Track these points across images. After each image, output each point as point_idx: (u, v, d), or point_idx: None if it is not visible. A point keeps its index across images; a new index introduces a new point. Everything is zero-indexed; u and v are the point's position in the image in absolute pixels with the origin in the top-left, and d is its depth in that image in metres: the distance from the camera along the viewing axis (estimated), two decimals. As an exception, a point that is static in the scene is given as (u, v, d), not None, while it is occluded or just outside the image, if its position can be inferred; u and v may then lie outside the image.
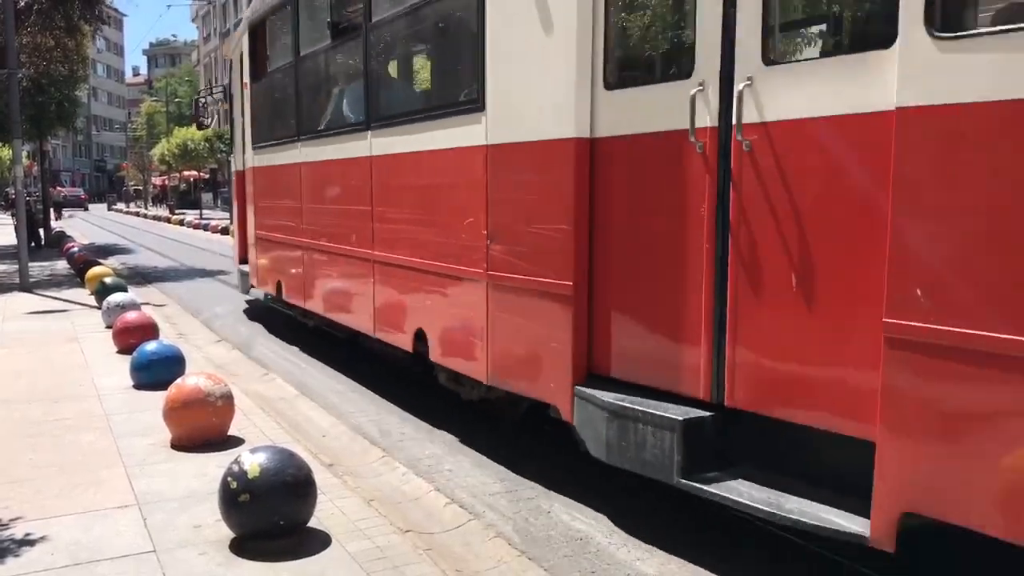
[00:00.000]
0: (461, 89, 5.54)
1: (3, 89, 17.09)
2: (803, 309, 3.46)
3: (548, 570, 3.81)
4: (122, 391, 6.80)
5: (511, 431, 5.84)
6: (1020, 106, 2.71)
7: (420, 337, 5.94)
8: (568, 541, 4.10)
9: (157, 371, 6.79)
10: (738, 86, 3.62)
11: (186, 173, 54.01)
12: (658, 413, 3.87)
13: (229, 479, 3.77)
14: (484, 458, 5.34)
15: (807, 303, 3.45)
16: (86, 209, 63.61)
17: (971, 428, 2.90)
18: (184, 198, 56.87)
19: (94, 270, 13.11)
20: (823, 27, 4.39)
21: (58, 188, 42.07)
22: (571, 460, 5.31)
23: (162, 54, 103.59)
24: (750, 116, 3.60)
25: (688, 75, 3.85)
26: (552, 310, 4.48)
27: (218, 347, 9.34)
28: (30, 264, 14.93)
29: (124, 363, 7.42)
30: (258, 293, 11.06)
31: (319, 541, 3.88)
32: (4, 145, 37.12)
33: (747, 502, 3.52)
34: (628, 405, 4.00)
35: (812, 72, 3.48)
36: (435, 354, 5.76)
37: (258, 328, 10.55)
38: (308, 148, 8.03)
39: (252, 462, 3.79)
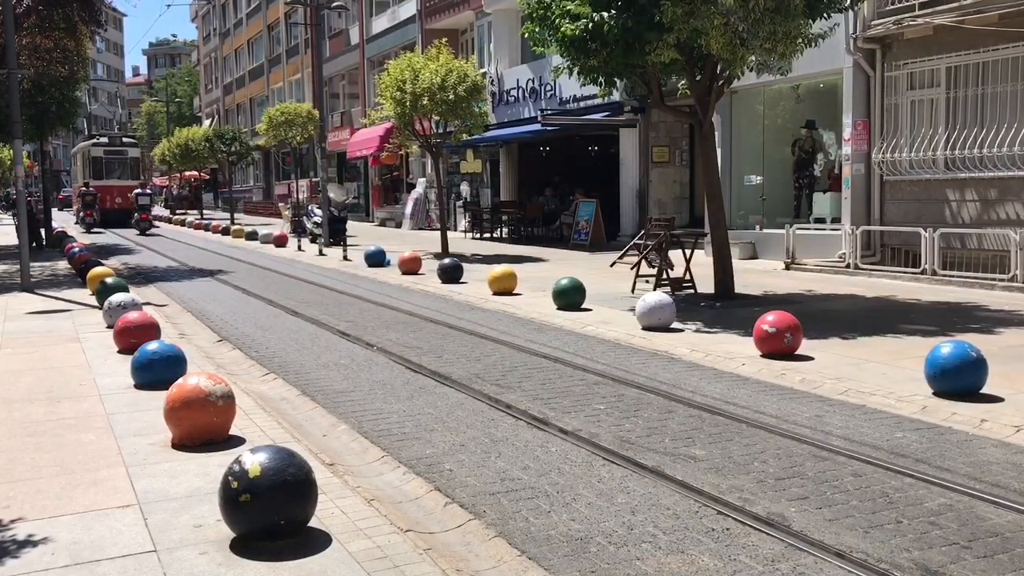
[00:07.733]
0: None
1: (3, 89, 17.12)
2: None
3: (548, 570, 3.81)
4: (123, 391, 6.81)
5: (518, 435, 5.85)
6: None
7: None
8: (568, 541, 4.11)
9: (158, 371, 6.81)
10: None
11: (187, 173, 53.93)
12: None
13: (230, 479, 3.79)
14: (484, 458, 5.35)
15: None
16: None
17: None
18: (182, 201, 56.59)
19: (95, 270, 13.12)
20: None
21: None
22: (573, 464, 5.31)
23: (162, 54, 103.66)
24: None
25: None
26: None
27: (219, 347, 9.35)
28: (31, 264, 14.95)
29: (125, 363, 7.43)
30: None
31: (320, 541, 3.89)
32: (5, 145, 37.64)
33: None
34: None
35: None
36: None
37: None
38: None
39: (253, 462, 3.80)
